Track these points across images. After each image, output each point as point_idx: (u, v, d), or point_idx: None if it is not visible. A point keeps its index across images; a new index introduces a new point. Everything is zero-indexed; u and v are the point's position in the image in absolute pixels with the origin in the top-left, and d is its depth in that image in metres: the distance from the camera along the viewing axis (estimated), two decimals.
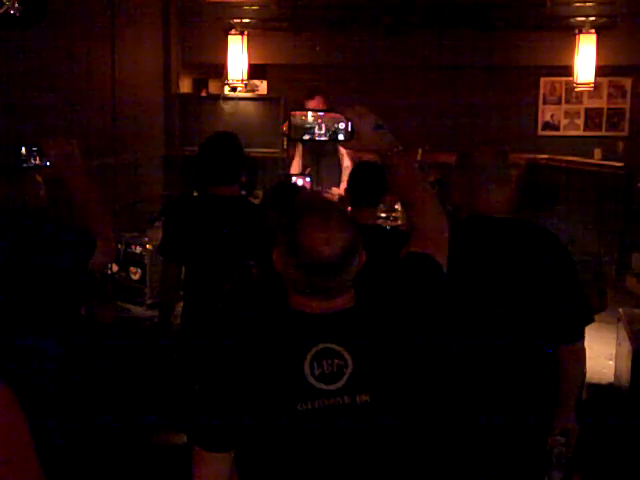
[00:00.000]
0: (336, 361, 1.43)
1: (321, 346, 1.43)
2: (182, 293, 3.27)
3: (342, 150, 5.75)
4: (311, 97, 5.62)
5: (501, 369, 2.28)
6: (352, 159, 5.62)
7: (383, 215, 5.21)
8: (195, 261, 3.05)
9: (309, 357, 1.42)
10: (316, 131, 1.67)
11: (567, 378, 2.33)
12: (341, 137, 1.68)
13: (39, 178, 2.49)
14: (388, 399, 1.45)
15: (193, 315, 3.08)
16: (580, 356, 2.36)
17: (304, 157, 5.88)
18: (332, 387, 1.42)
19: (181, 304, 3.30)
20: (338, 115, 1.66)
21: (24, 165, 2.37)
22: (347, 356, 1.43)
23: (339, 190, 5.22)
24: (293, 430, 1.42)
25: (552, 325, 2.28)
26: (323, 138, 1.69)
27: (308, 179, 2.84)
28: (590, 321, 2.33)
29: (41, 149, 2.39)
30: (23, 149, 2.36)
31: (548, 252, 2.28)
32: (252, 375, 1.43)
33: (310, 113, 1.68)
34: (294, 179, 2.79)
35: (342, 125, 1.66)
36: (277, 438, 1.43)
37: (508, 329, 2.26)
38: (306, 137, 1.70)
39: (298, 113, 1.69)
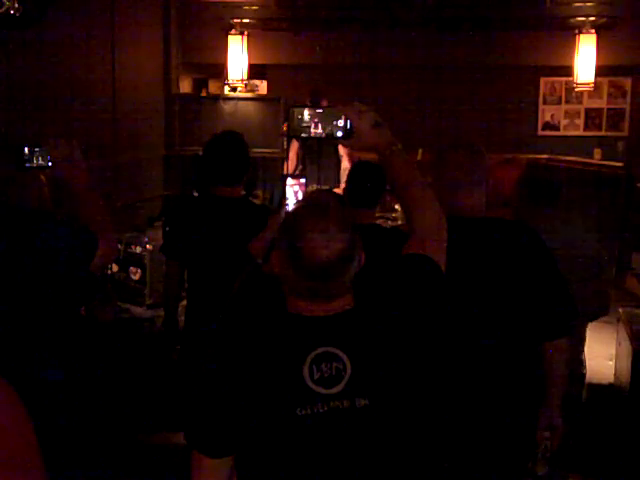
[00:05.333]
0: (335, 364, 1.42)
1: (320, 350, 1.42)
2: (185, 293, 3.29)
3: (341, 151, 5.76)
4: (315, 102, 5.60)
5: (487, 367, 2.28)
6: (351, 161, 5.62)
7: (382, 215, 5.21)
8: (197, 261, 3.05)
9: (308, 361, 1.41)
10: (313, 129, 1.66)
11: (553, 374, 2.34)
12: (339, 134, 1.66)
13: (43, 178, 2.49)
14: (387, 402, 1.45)
15: (196, 316, 3.09)
16: (565, 352, 2.36)
17: (303, 157, 5.88)
18: (331, 391, 1.41)
19: (184, 302, 3.31)
20: (337, 112, 1.65)
21: (27, 165, 2.38)
22: (346, 359, 1.42)
23: (338, 191, 5.23)
24: (293, 435, 1.41)
25: (536, 322, 2.28)
26: (321, 136, 1.67)
27: (303, 180, 2.82)
28: (574, 317, 2.33)
29: (43, 149, 2.40)
30: (26, 149, 2.37)
31: (527, 249, 2.28)
32: (251, 380, 1.42)
33: (307, 111, 1.67)
34: (289, 180, 2.77)
35: (340, 122, 1.65)
36: (277, 443, 1.42)
37: (493, 328, 2.26)
38: (304, 135, 1.68)
39: (297, 110, 1.68)
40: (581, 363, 3.04)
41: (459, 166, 2.31)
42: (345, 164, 5.78)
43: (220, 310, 2.80)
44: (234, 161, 3.01)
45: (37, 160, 2.39)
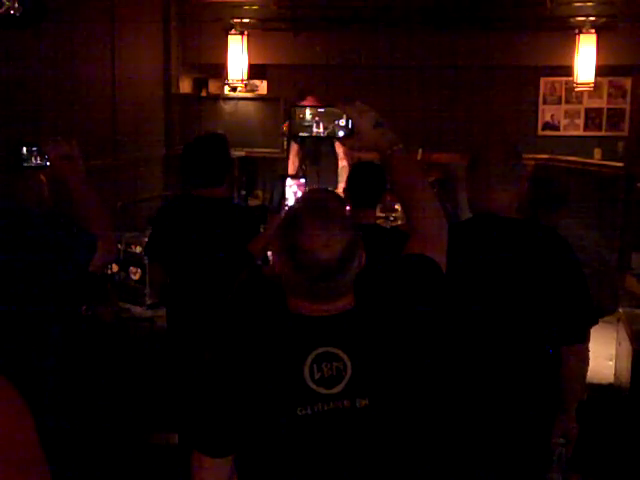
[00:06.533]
0: (335, 364, 1.41)
1: (321, 350, 1.42)
2: None
3: (339, 151, 5.77)
4: (302, 98, 5.63)
5: (504, 369, 2.27)
6: (349, 159, 5.63)
7: (382, 215, 5.21)
8: (177, 262, 3.05)
9: (309, 361, 1.41)
10: (314, 128, 1.65)
11: (570, 380, 2.32)
12: (340, 134, 1.65)
13: (43, 178, 2.49)
14: (388, 402, 1.44)
15: (178, 318, 3.09)
16: (583, 358, 2.35)
17: (302, 157, 5.89)
18: (332, 391, 1.40)
19: None
20: (338, 112, 1.64)
21: (24, 165, 2.37)
22: (346, 359, 1.42)
23: (337, 191, 5.23)
24: (293, 435, 1.41)
25: (556, 326, 2.27)
26: (322, 135, 1.67)
27: (302, 180, 2.83)
28: (594, 323, 2.32)
29: (41, 149, 2.39)
30: (24, 149, 2.36)
31: (554, 253, 2.27)
32: (252, 379, 1.42)
33: (308, 110, 1.66)
34: (288, 180, 2.78)
35: (342, 122, 1.64)
36: (277, 443, 1.42)
37: (512, 329, 2.26)
38: (305, 134, 1.67)
39: (298, 110, 1.67)
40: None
41: (494, 164, 2.31)
42: (343, 163, 5.78)
43: (207, 311, 2.80)
44: (210, 161, 3.02)
45: (35, 160, 2.38)
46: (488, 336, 2.25)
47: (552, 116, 7.78)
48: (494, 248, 2.26)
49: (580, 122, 7.76)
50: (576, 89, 7.35)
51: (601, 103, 7.69)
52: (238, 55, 7.45)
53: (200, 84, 8.04)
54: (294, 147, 6.05)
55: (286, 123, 5.95)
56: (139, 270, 4.49)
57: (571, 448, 2.37)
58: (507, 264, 2.25)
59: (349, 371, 1.41)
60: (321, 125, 1.65)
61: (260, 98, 7.80)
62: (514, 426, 2.27)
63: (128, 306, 4.44)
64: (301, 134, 1.68)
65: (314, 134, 1.66)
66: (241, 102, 7.68)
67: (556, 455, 2.35)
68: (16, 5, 3.33)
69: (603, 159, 7.38)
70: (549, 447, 2.35)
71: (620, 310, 4.13)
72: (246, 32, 7.45)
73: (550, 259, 2.25)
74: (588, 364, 2.47)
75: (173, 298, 3.15)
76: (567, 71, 7.26)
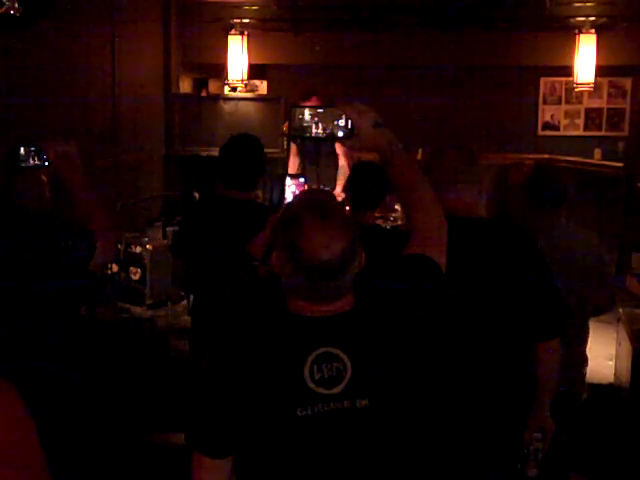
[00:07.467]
0: (335, 365, 1.41)
1: (321, 350, 1.42)
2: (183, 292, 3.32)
3: (338, 150, 5.78)
4: (307, 98, 5.64)
5: (478, 367, 2.28)
6: (349, 158, 5.64)
7: (381, 215, 5.21)
8: (205, 262, 3.07)
9: (309, 361, 1.41)
10: (314, 129, 1.65)
11: (544, 375, 2.34)
12: (340, 134, 1.65)
13: (44, 178, 2.49)
14: (388, 403, 1.44)
15: (202, 320, 3.11)
16: (556, 353, 2.37)
17: (303, 157, 5.89)
18: (332, 392, 1.40)
19: (184, 302, 3.34)
20: (338, 112, 1.64)
21: (22, 165, 2.37)
22: (346, 360, 1.42)
23: (336, 192, 5.23)
24: (293, 435, 1.41)
25: (527, 323, 2.29)
26: (321, 135, 1.66)
27: (302, 179, 2.82)
28: (566, 318, 2.34)
29: (39, 149, 2.39)
30: (21, 149, 2.36)
31: (518, 249, 2.29)
32: (251, 380, 1.42)
33: (308, 110, 1.66)
34: (287, 180, 2.78)
35: (341, 122, 1.64)
36: (277, 443, 1.41)
37: (485, 328, 2.27)
38: (304, 134, 1.67)
39: (298, 110, 1.66)
40: (585, 360, 3.03)
41: (448, 167, 2.32)
42: (342, 162, 5.79)
43: (219, 313, 2.81)
44: (253, 166, 3.06)
45: (33, 160, 2.38)
46: (464, 335, 2.26)
47: (552, 116, 7.79)
48: (462, 250, 2.26)
49: (580, 122, 7.77)
50: (576, 89, 7.36)
51: (601, 103, 7.70)
52: (238, 55, 7.45)
53: (200, 84, 8.05)
54: (293, 147, 6.06)
55: (286, 123, 5.95)
56: (139, 270, 4.48)
57: (547, 443, 2.39)
58: (471, 265, 2.24)
59: (349, 371, 1.41)
60: (320, 125, 1.64)
61: (260, 98, 7.80)
62: (491, 421, 2.29)
63: (128, 306, 4.43)
64: (301, 134, 1.67)
65: (314, 134, 1.65)
66: (241, 102, 7.68)
67: (532, 450, 2.36)
68: (16, 5, 3.33)
69: (603, 159, 7.39)
70: (524, 442, 2.37)
71: (620, 310, 4.13)
72: (246, 32, 7.45)
73: (514, 255, 2.27)
74: (559, 359, 2.47)
75: (197, 291, 3.22)
76: (567, 71, 7.27)
